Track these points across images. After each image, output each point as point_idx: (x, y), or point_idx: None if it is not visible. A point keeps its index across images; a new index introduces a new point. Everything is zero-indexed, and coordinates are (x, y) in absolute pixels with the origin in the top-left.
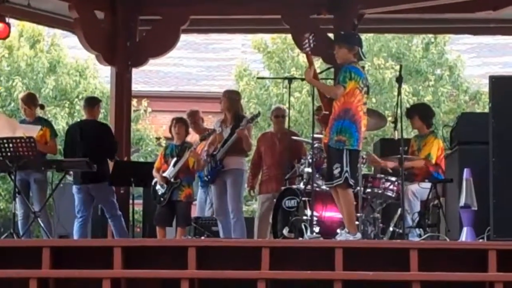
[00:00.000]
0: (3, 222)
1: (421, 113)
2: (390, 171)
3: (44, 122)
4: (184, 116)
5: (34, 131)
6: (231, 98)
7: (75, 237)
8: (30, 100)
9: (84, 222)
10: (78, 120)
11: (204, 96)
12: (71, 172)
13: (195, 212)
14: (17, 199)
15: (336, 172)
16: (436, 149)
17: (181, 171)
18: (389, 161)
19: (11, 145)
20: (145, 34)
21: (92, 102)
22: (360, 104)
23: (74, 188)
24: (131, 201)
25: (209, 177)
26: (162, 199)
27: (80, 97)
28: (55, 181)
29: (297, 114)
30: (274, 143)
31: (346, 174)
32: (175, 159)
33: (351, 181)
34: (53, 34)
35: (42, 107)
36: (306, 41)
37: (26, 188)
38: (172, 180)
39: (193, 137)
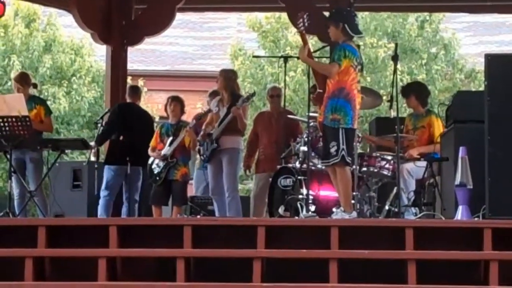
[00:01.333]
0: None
1: (416, 92)
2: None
3: (38, 100)
4: (180, 95)
5: (20, 99)
6: (228, 77)
7: (101, 212)
8: (23, 79)
9: (111, 201)
10: (124, 102)
11: (199, 75)
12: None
13: (191, 191)
14: (13, 178)
15: (332, 150)
16: (441, 129)
17: (177, 150)
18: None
19: (6, 124)
20: (141, 13)
21: (136, 90)
22: (354, 83)
23: (112, 168)
24: None
25: (205, 156)
26: (158, 178)
27: (78, 76)
28: (51, 160)
29: (292, 93)
30: (271, 122)
31: (343, 152)
32: (171, 138)
33: (348, 159)
34: (49, 14)
35: (35, 86)
36: (301, 20)
37: (22, 168)
38: (168, 159)
39: (188, 116)
